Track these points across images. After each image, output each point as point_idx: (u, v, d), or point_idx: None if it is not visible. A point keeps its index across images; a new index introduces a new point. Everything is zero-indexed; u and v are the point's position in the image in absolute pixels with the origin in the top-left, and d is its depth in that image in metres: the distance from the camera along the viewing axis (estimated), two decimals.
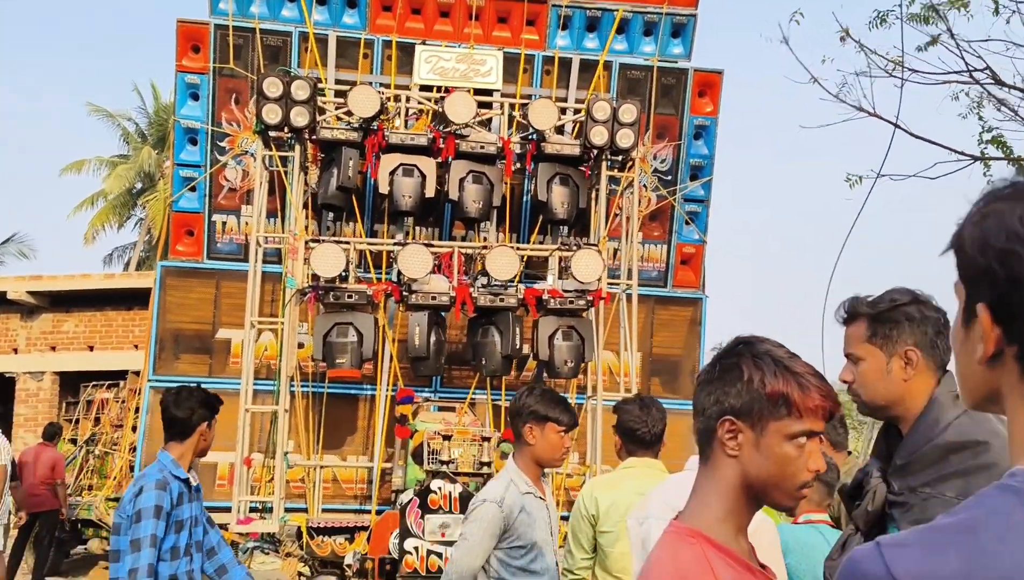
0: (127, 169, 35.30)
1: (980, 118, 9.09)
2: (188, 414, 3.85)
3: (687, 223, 9.11)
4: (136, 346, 17.94)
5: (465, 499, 5.71)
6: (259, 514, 7.84)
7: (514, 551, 3.05)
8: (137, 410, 12.71)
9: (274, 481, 7.38)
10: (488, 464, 6.24)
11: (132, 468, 11.53)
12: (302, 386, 8.04)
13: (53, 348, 18.50)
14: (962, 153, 7.83)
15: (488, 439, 6.41)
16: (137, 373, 13.73)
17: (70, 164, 36.71)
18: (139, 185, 36.15)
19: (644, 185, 8.66)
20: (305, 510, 8.06)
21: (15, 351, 18.69)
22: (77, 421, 14.59)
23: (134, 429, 12.86)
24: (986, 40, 8.07)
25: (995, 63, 8.29)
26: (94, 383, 14.63)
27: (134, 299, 18.03)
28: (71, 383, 17.35)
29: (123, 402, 13.91)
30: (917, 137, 7.68)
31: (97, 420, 14.11)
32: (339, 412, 8.33)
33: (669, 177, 8.97)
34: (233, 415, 7.87)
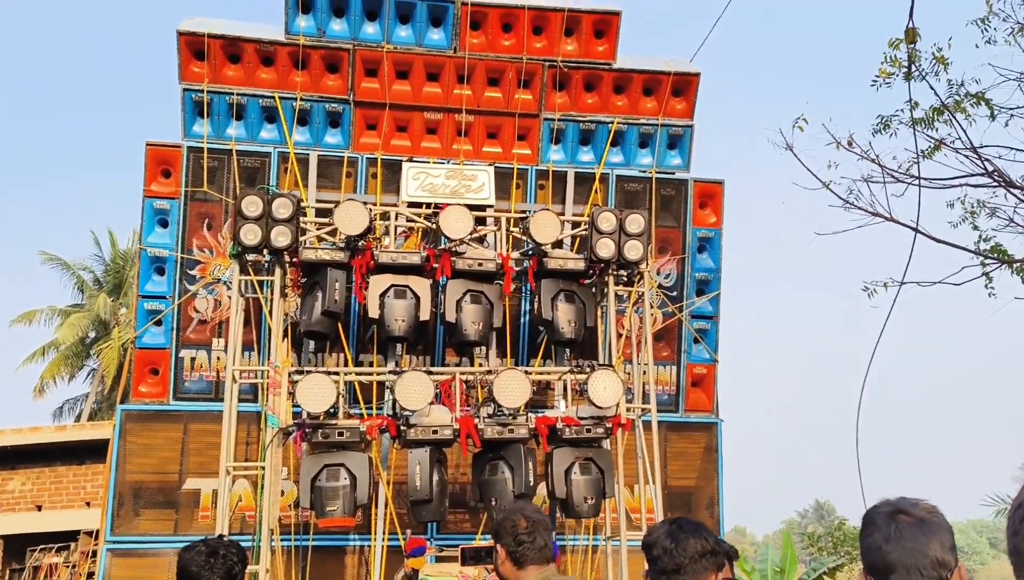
0: (80, 318, 34.22)
1: (975, 227, 8.85)
2: (228, 574, 3.04)
3: (696, 342, 8.52)
4: (88, 503, 16.50)
5: None
6: None
7: None
8: (91, 576, 11.39)
9: None
10: None
11: None
12: (283, 540, 7.04)
13: None
14: (987, 255, 7.43)
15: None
16: (90, 533, 12.42)
17: (21, 315, 35.48)
18: (92, 334, 35.00)
19: (649, 302, 8.10)
20: None
21: None
22: None
23: None
24: (990, 146, 7.89)
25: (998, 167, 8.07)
26: (41, 547, 13.23)
27: (86, 452, 16.74)
28: (17, 547, 15.80)
29: (74, 567, 12.54)
30: (940, 241, 7.29)
31: None
32: (326, 568, 7.32)
33: (674, 293, 8.44)
34: None
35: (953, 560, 1.92)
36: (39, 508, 16.78)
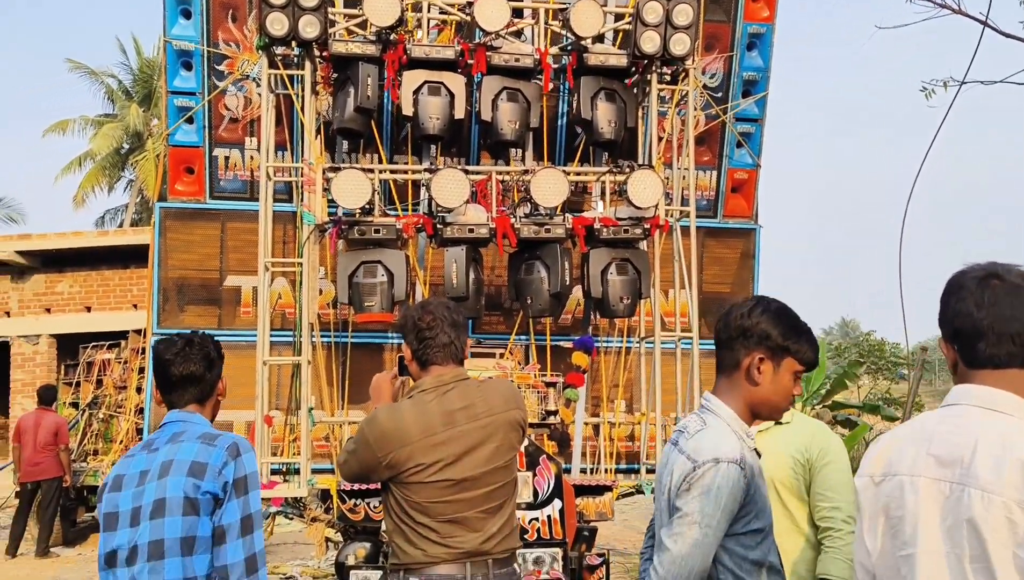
0: (113, 128, 34.17)
1: None
2: (205, 367, 3.04)
3: (739, 145, 8.23)
4: (135, 306, 17.14)
5: (533, 455, 4.97)
6: (282, 477, 7.10)
7: (749, 537, 2.19)
8: (141, 370, 11.95)
9: (299, 440, 6.61)
10: (554, 413, 5.48)
11: (140, 431, 10.80)
12: (323, 336, 7.23)
13: (48, 310, 17.72)
14: None
15: (553, 385, 5.64)
16: (138, 332, 12.93)
17: (54, 124, 35.51)
18: (127, 145, 35.05)
19: (692, 104, 7.74)
20: (332, 471, 7.32)
21: (7, 314, 17.91)
22: (78, 384, 13.85)
23: (139, 390, 12.11)
24: None
25: None
26: (94, 344, 13.85)
27: (130, 257, 17.20)
28: (69, 345, 16.60)
29: (125, 362, 13.15)
30: (1009, 36, 6.76)
31: (99, 382, 13.38)
32: (363, 363, 7.53)
33: (719, 94, 8.06)
34: (245, 370, 7.10)
35: None
36: (88, 309, 17.49)
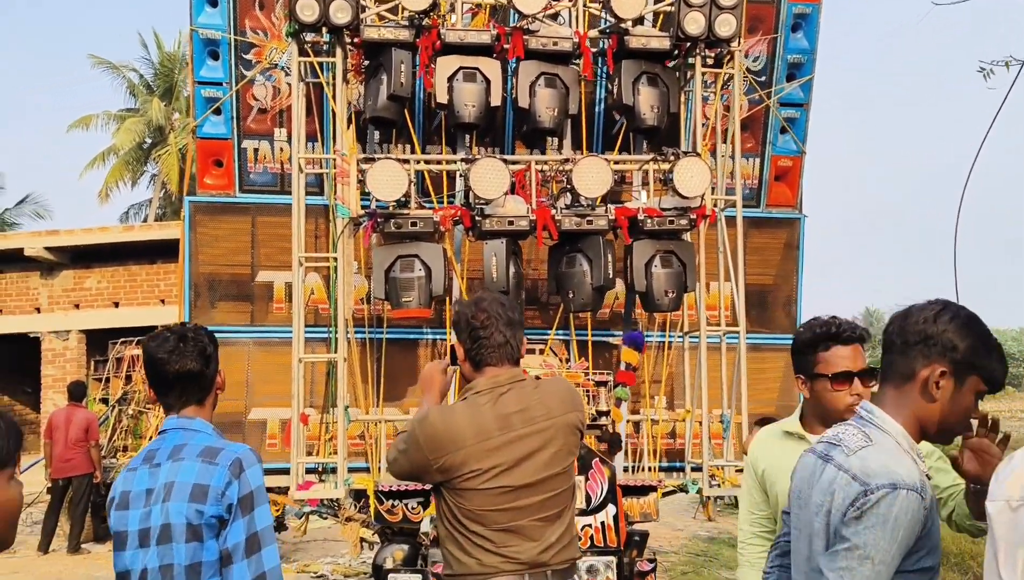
0: (136, 123, 34.25)
1: None
2: (203, 364, 2.81)
3: (783, 131, 7.93)
4: (163, 301, 17.09)
5: (585, 459, 4.75)
6: (318, 476, 6.93)
7: (918, 575, 1.93)
8: None
9: (336, 439, 6.43)
10: (605, 414, 5.25)
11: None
12: (357, 333, 7.04)
13: (77, 306, 17.73)
14: None
15: (604, 384, 5.41)
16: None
17: (77, 120, 35.67)
18: (149, 140, 35.13)
19: (731, 88, 7.45)
20: (367, 470, 7.15)
21: (37, 310, 17.95)
22: (107, 380, 13.80)
23: None
24: None
25: None
26: (123, 340, 13.79)
27: (157, 252, 17.14)
28: (98, 341, 16.59)
29: None
30: None
31: (128, 378, 13.31)
32: (399, 360, 7.34)
33: (763, 78, 7.75)
34: (279, 368, 6.94)
35: None
36: (116, 305, 17.48)
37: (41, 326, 17.92)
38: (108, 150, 34.76)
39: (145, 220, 35.19)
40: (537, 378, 3.19)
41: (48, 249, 17.16)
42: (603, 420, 5.40)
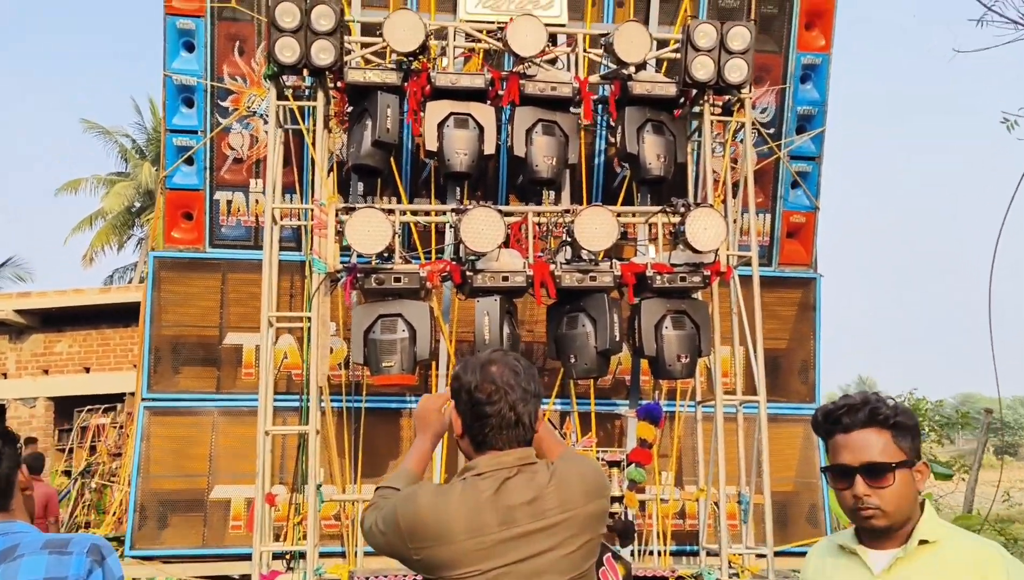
0: (125, 187, 33.89)
1: None
2: None
3: (794, 186, 7.45)
4: (135, 365, 16.32)
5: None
6: (285, 563, 6.17)
7: None
8: None
9: (306, 522, 5.71)
10: (619, 499, 4.54)
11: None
12: (333, 401, 6.38)
13: (46, 371, 16.89)
14: None
15: (617, 464, 4.73)
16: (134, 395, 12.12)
17: (66, 183, 35.30)
18: (138, 204, 34.76)
19: (740, 141, 6.99)
20: (343, 555, 6.40)
21: (4, 376, 17.10)
22: (71, 450, 12.97)
23: None
24: None
25: None
26: (88, 408, 13.01)
27: (133, 315, 16.39)
28: (67, 408, 15.77)
29: (121, 427, 12.28)
30: None
31: (92, 449, 12.50)
32: (379, 431, 6.69)
33: (771, 131, 7.32)
34: (247, 440, 6.25)
35: None
36: (87, 370, 16.66)
37: (7, 393, 17.08)
38: (96, 214, 34.30)
39: (130, 282, 34.54)
40: (551, 460, 2.53)
41: (18, 312, 16.42)
42: (615, 507, 4.70)
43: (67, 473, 12.52)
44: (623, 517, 5.15)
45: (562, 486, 2.37)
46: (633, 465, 5.44)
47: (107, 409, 12.60)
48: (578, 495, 2.37)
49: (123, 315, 16.53)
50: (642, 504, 6.34)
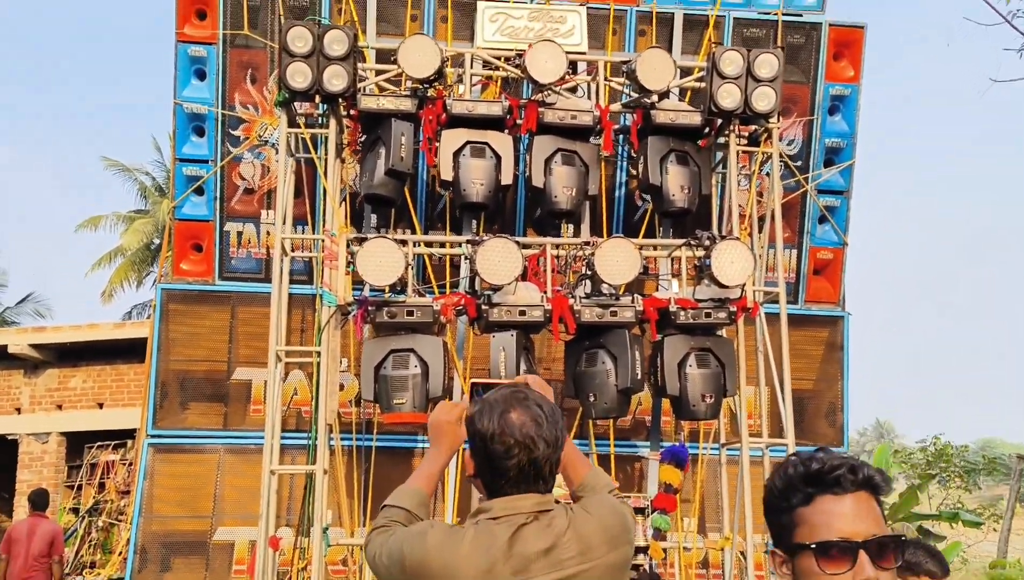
0: (145, 224, 34.11)
1: None
2: None
3: (822, 221, 7.20)
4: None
5: None
6: None
7: None
8: None
9: (310, 568, 5.43)
10: (644, 550, 4.25)
11: None
12: (342, 439, 6.13)
13: (59, 406, 16.78)
14: None
15: (641, 511, 4.44)
16: None
17: (86, 220, 35.61)
18: (157, 240, 34.97)
19: (767, 173, 6.76)
20: None
21: (18, 411, 17.00)
22: (80, 487, 12.76)
23: None
24: None
25: None
26: (99, 444, 12.82)
27: (146, 350, 16.30)
28: (78, 444, 15.63)
29: (130, 464, 12.06)
30: None
31: (102, 486, 12.28)
32: (389, 472, 6.39)
33: (798, 163, 7.09)
34: (253, 479, 6.00)
35: None
36: (100, 406, 16.52)
37: (20, 428, 16.95)
38: (115, 250, 34.52)
39: (147, 318, 34.59)
40: (571, 503, 2.28)
41: (33, 346, 16.36)
42: (639, 558, 4.40)
43: (75, 510, 12.30)
44: (648, 569, 4.83)
45: (582, 534, 2.13)
46: (657, 512, 5.14)
47: (117, 445, 12.40)
48: (599, 544, 2.14)
49: (137, 350, 16.40)
50: (663, 552, 6.01)
